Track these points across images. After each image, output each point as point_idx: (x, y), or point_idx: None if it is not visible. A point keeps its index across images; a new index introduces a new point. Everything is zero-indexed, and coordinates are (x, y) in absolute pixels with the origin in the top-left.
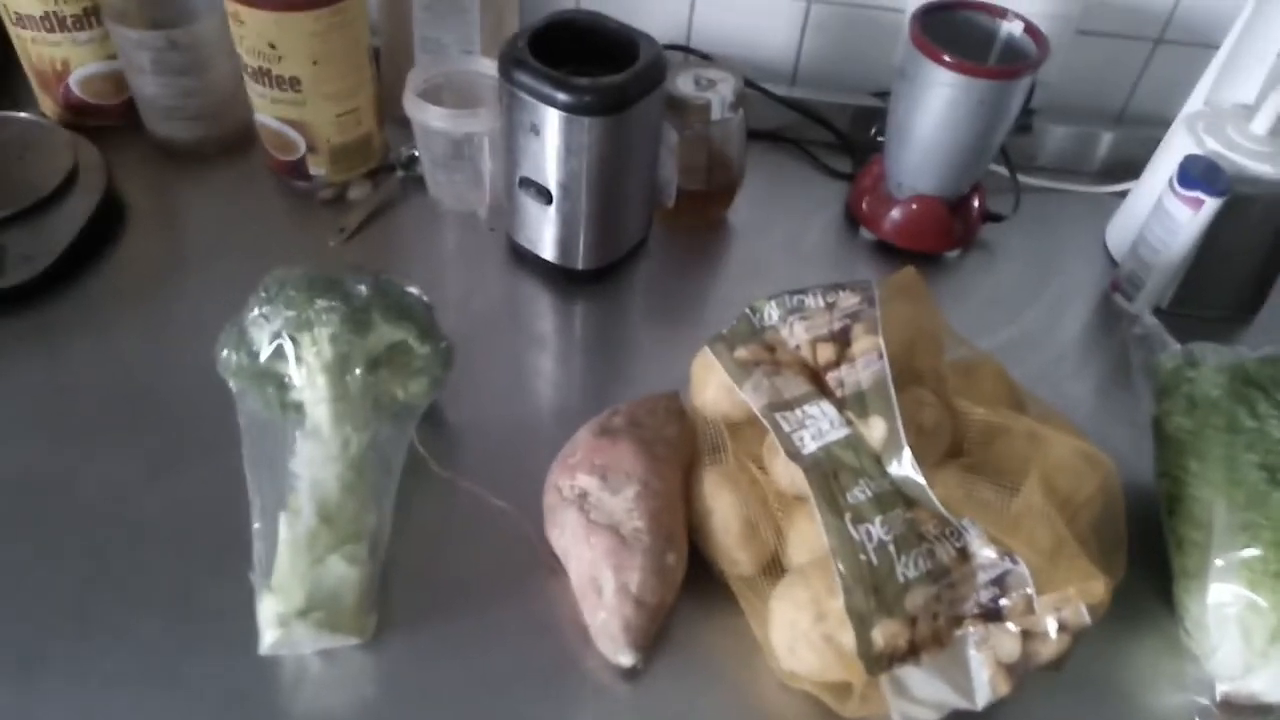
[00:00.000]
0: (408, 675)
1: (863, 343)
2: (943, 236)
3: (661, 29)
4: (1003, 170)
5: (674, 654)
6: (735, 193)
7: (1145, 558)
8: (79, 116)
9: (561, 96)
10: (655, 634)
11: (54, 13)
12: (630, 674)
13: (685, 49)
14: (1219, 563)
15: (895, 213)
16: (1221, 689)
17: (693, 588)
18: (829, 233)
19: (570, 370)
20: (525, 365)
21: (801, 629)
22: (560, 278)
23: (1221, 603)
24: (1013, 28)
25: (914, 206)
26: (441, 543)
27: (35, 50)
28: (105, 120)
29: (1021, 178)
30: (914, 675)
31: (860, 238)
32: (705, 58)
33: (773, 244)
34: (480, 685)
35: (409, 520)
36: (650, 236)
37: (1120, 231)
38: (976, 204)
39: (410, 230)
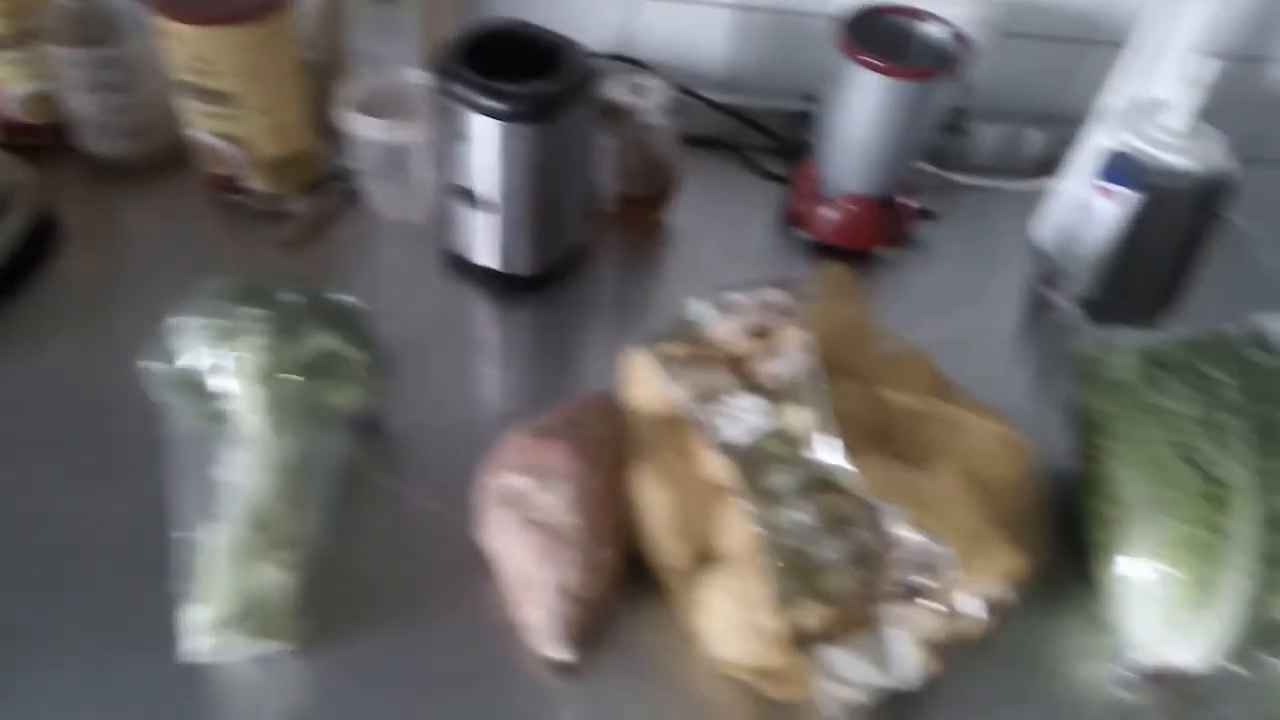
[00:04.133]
0: (343, 680)
1: (789, 336)
2: (875, 234)
3: (601, 39)
4: (941, 170)
5: (614, 650)
6: (672, 197)
7: (1071, 537)
8: (14, 136)
9: (492, 104)
10: (592, 630)
11: None
12: (569, 671)
13: (624, 58)
14: (1134, 538)
15: (829, 213)
16: (1141, 660)
17: (633, 584)
18: (767, 234)
19: (513, 376)
20: (468, 372)
21: (731, 616)
22: (501, 285)
23: (1137, 576)
24: (936, 31)
25: (846, 206)
26: (377, 548)
27: None
28: (40, 139)
29: (957, 176)
30: (840, 656)
31: (797, 238)
32: (644, 66)
33: (712, 247)
34: (417, 688)
35: (345, 526)
36: (591, 242)
37: (1046, 227)
38: (907, 202)
39: (351, 241)
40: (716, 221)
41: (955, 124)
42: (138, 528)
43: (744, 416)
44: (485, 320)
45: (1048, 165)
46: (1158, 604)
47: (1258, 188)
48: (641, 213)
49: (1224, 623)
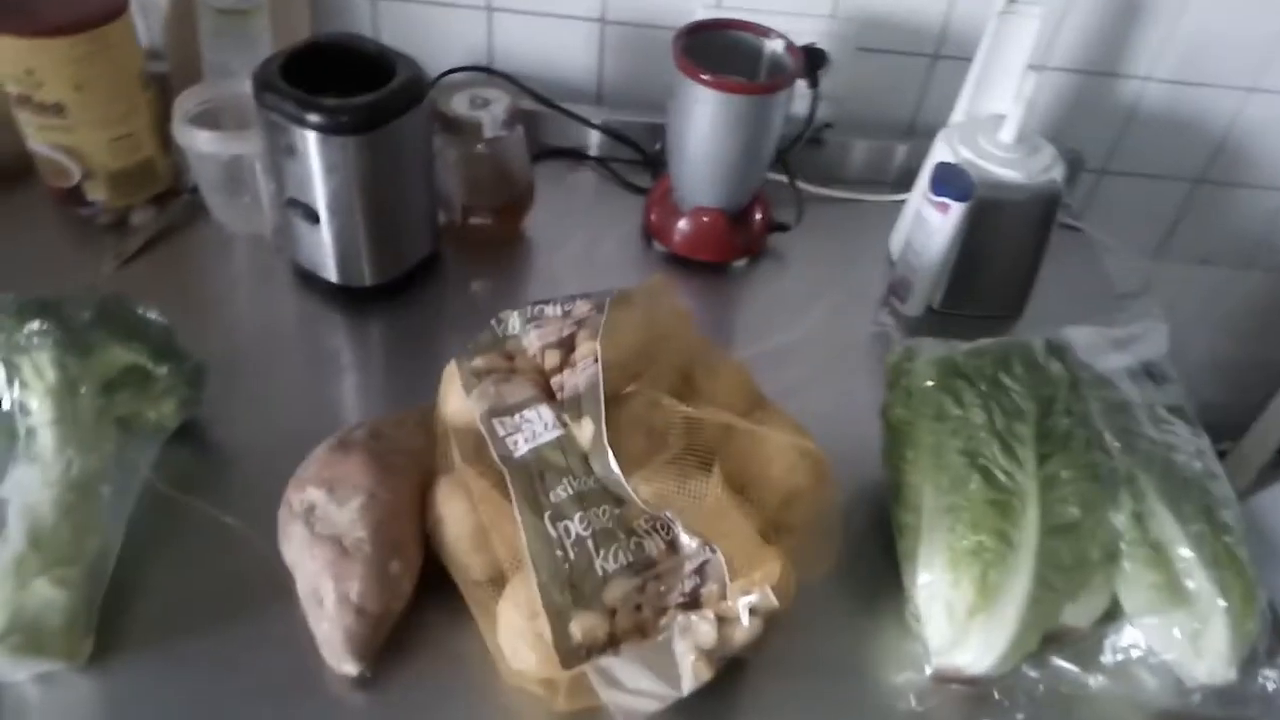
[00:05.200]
0: (134, 697)
1: (583, 348)
2: (727, 247)
3: (463, 53)
4: (801, 184)
5: (412, 662)
6: (526, 208)
7: (885, 546)
8: None
9: (312, 117)
10: (381, 643)
11: None
12: (364, 684)
13: (485, 70)
14: (926, 545)
15: (682, 225)
16: (932, 664)
17: (436, 596)
18: (625, 246)
19: (352, 389)
20: (305, 385)
21: (520, 628)
22: (345, 297)
23: (929, 582)
24: (776, 45)
25: (697, 219)
26: (182, 563)
27: None
28: None
29: (820, 189)
30: (621, 666)
31: (655, 251)
32: (508, 79)
33: (569, 258)
34: (211, 704)
35: (149, 541)
36: (444, 253)
37: (897, 239)
38: (759, 215)
39: (196, 254)
40: (576, 233)
41: (819, 137)
42: None
43: (533, 428)
44: (328, 333)
45: (909, 178)
46: (947, 610)
47: (1108, 197)
48: (496, 224)
49: (1008, 627)
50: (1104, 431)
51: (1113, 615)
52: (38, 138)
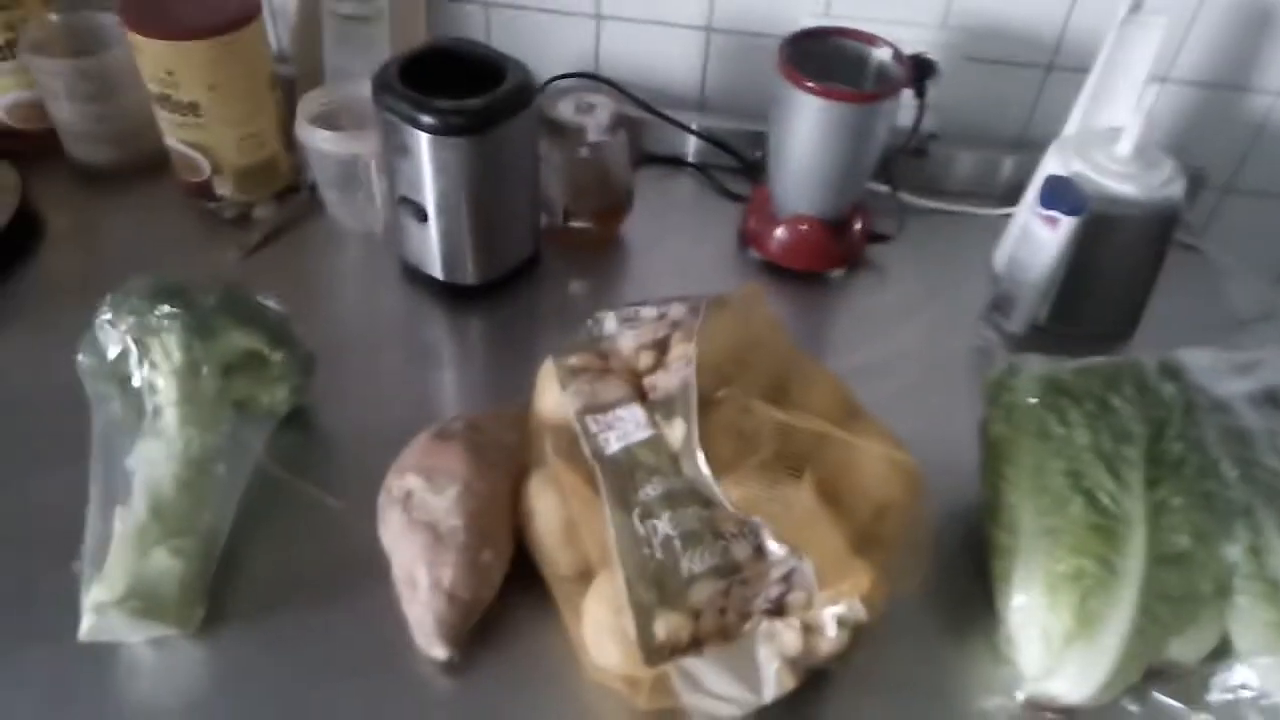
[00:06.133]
0: (236, 666)
1: (678, 350)
2: (825, 256)
3: (571, 58)
4: (902, 194)
5: (497, 651)
6: (625, 213)
7: (978, 565)
8: (3, 141)
9: (425, 119)
10: (470, 630)
11: None
12: (450, 669)
13: (591, 76)
14: (1023, 567)
15: (779, 233)
16: (1025, 691)
17: (525, 588)
18: (721, 253)
19: (451, 382)
20: (406, 376)
21: (606, 623)
22: (449, 294)
23: (1025, 606)
24: (883, 54)
25: (795, 227)
26: (286, 541)
27: None
28: (29, 145)
29: (923, 201)
30: (703, 668)
31: (750, 258)
32: (613, 85)
33: (665, 263)
34: (304, 677)
35: (257, 518)
36: (543, 255)
37: (1002, 253)
38: (859, 225)
39: (311, 248)
40: (673, 238)
41: (924, 148)
42: (64, 513)
43: (625, 427)
44: (432, 328)
45: (1016, 191)
46: (1043, 636)
47: (1231, 217)
48: (595, 227)
49: (1108, 658)
50: (1220, 459)
51: (1223, 653)
52: (174, 134)
